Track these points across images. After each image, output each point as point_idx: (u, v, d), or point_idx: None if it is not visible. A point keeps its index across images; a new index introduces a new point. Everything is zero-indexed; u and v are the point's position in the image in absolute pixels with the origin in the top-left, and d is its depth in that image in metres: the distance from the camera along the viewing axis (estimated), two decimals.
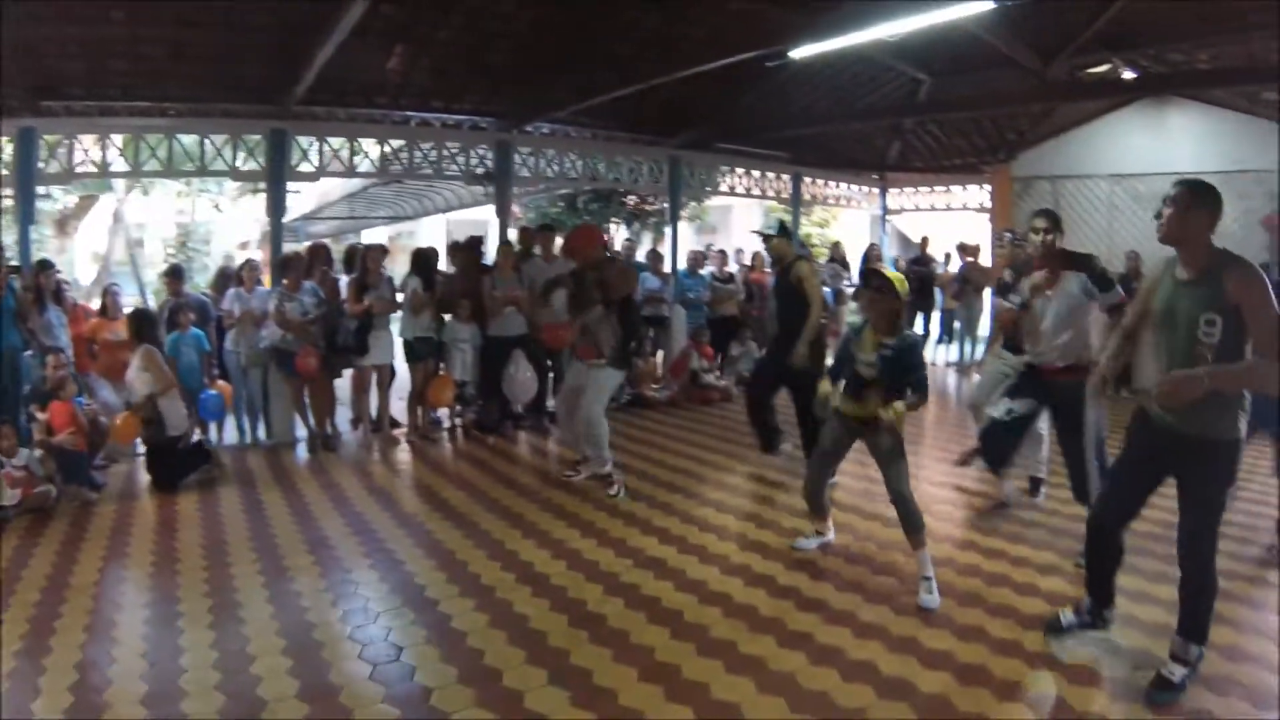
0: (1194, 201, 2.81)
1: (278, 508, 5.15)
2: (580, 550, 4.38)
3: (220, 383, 6.54)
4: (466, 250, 7.78)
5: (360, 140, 8.04)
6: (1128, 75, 7.65)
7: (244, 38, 6.35)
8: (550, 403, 7.60)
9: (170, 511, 5.15)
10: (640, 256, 10.04)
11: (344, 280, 7.09)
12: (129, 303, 6.78)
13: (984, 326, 9.60)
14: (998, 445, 4.60)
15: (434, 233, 20.18)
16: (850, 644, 3.32)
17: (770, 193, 12.78)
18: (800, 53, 5.55)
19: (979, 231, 11.66)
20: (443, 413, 7.45)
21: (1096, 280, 4.13)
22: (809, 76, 9.13)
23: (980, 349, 10.06)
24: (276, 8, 6.03)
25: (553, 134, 9.44)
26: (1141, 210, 9.28)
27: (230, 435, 6.98)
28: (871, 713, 2.84)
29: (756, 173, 12.25)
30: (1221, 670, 3.05)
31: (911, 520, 3.88)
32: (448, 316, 7.17)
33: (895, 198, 13.81)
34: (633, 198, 15.53)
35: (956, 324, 10.91)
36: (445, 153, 8.59)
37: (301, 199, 17.33)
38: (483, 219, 23.79)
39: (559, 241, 7.32)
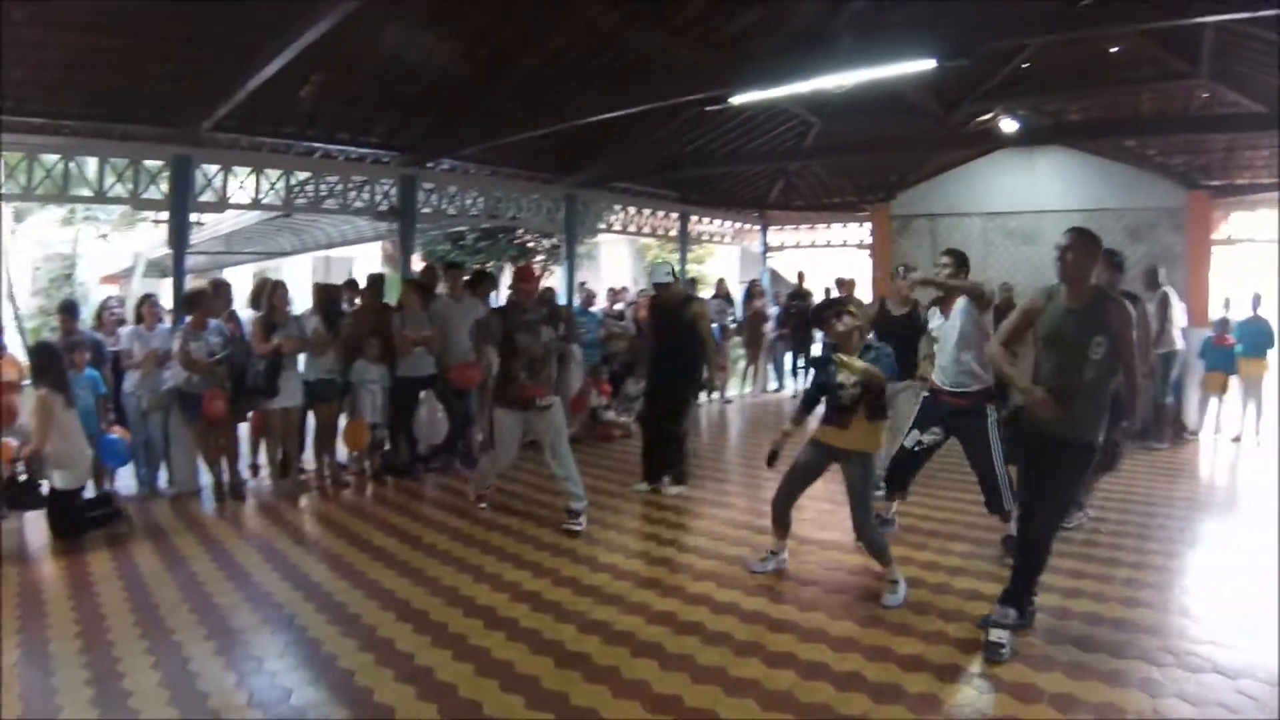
0: (1087, 246, 3.49)
1: (202, 563, 4.74)
2: (538, 591, 4.32)
3: (117, 428, 5.95)
4: (370, 288, 7.55)
5: (266, 171, 7.65)
6: (1008, 122, 8.53)
7: (155, 51, 5.84)
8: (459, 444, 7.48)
9: (82, 572, 4.62)
10: None
11: (245, 317, 6.69)
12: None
13: None
14: (902, 472, 5.04)
15: (300, 270, 19.24)
16: (831, 658, 3.49)
17: (660, 230, 13.16)
18: (742, 99, 5.84)
19: (857, 267, 12.48)
20: (344, 454, 7.11)
21: (975, 300, 4.61)
22: (704, 117, 9.52)
23: None
24: (197, 21, 5.61)
25: (452, 170, 9.34)
26: (1012, 245, 10.31)
27: (126, 483, 6.36)
28: (873, 716, 3.03)
29: (647, 210, 12.60)
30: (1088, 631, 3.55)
31: (874, 551, 4.20)
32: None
33: (776, 234, 14.52)
34: (522, 234, 15.50)
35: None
36: (350, 186, 8.32)
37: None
38: (350, 256, 22.97)
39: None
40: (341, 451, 6.98)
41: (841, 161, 11.85)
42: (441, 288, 7.46)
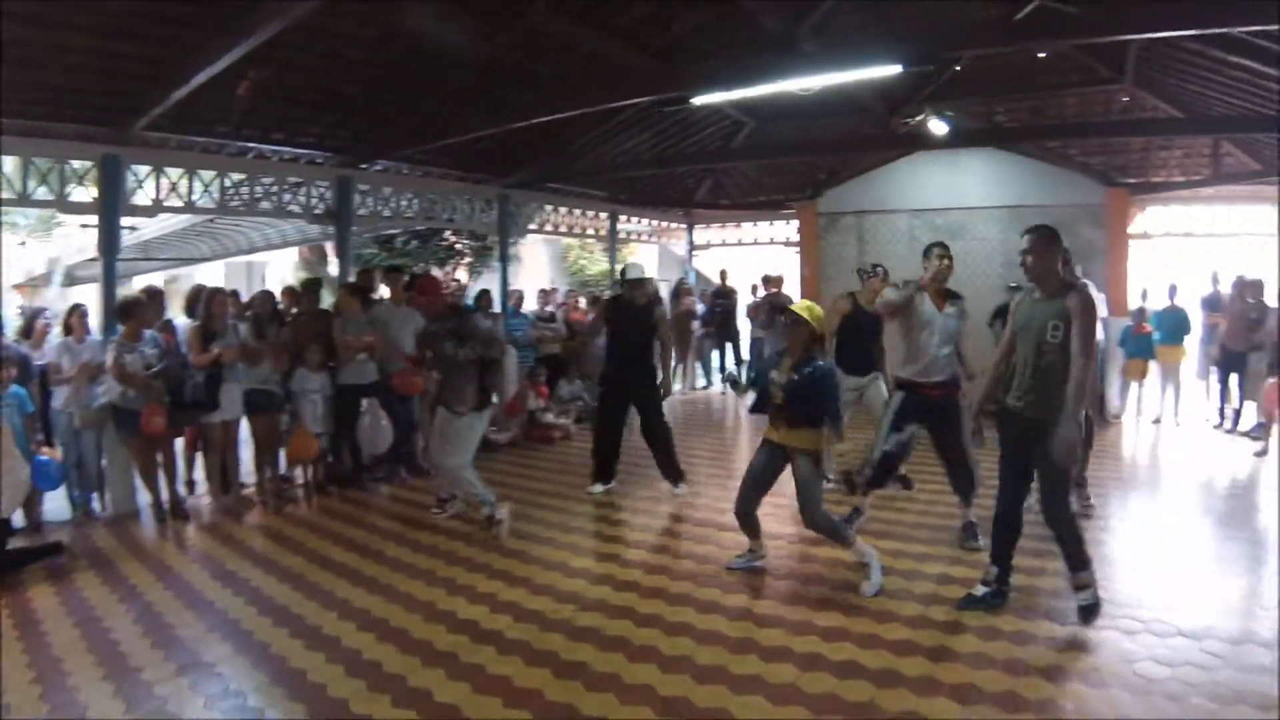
0: (1047, 244, 3.70)
1: (157, 592, 4.44)
2: (516, 600, 4.25)
3: (46, 448, 5.51)
4: (308, 294, 7.26)
5: (199, 172, 7.22)
6: (937, 124, 8.82)
7: (84, 45, 5.41)
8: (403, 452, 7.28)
9: (25, 609, 4.25)
10: (468, 298, 9.88)
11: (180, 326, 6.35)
12: None
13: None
14: (885, 473, 5.14)
15: (215, 276, 18.31)
16: (826, 649, 3.58)
17: (588, 230, 13.12)
18: (702, 100, 5.86)
19: (783, 264, 12.70)
20: (284, 466, 6.83)
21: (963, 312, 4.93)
22: (637, 118, 9.54)
23: None
24: (130, 15, 5.22)
25: (386, 171, 9.07)
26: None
27: (58, 506, 5.91)
28: (880, 701, 3.12)
29: (577, 211, 12.55)
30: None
31: (834, 536, 4.32)
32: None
33: (702, 232, 14.62)
34: (450, 236, 15.19)
35: (767, 352, 11.75)
36: (285, 188, 7.96)
37: (84, 239, 14.67)
38: (265, 260, 22.00)
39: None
40: (281, 464, 6.70)
41: (771, 160, 12.03)
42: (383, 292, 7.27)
